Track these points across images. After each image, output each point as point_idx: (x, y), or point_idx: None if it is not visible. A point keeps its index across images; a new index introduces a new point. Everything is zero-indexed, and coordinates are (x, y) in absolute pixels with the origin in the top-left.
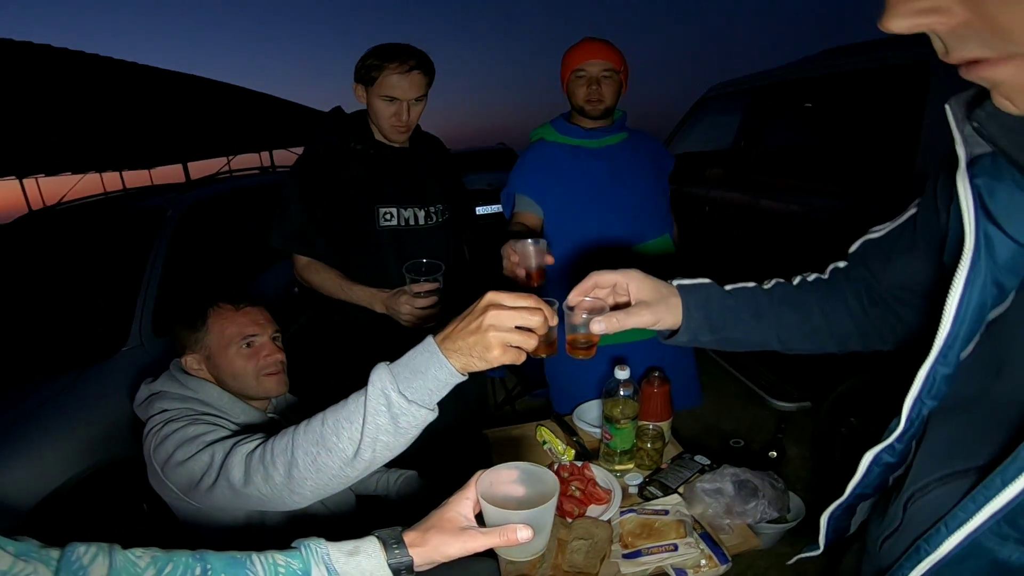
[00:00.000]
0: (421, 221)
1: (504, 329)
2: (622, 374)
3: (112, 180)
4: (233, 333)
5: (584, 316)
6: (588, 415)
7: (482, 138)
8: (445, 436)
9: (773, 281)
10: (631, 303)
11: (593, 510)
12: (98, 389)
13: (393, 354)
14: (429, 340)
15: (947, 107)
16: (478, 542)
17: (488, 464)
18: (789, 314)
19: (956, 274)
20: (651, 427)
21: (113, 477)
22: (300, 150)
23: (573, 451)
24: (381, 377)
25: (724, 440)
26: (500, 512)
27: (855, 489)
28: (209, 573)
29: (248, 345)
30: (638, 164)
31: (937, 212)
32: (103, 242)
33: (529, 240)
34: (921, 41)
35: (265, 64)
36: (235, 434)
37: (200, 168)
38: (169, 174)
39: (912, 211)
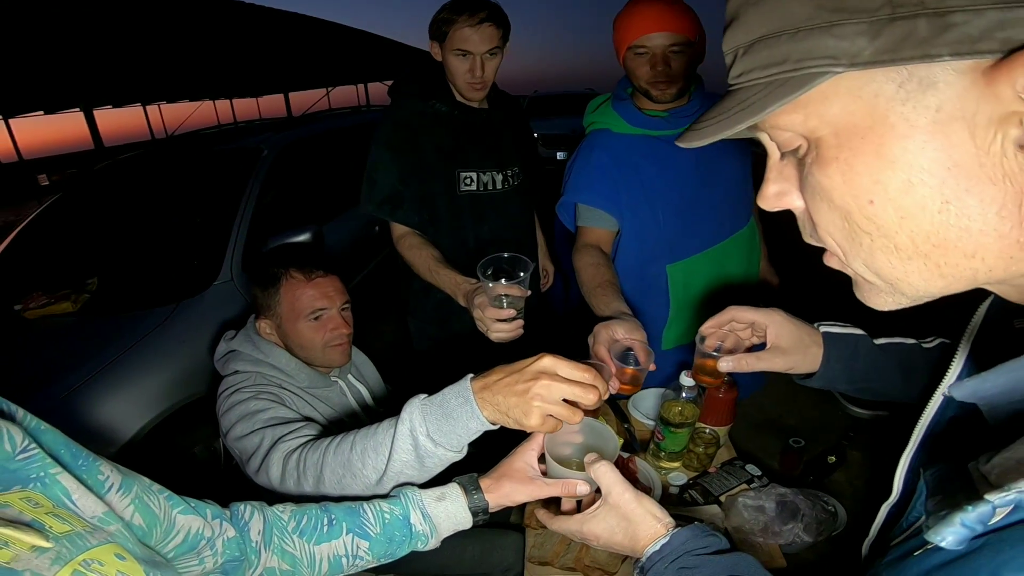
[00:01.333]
0: (499, 185)
1: (551, 401)
2: (688, 381)
3: (223, 108)
4: (303, 306)
5: (714, 354)
6: (643, 404)
7: (569, 82)
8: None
9: (937, 341)
10: (767, 345)
11: None
12: (193, 322)
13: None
14: (466, 383)
15: None
16: (543, 492)
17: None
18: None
19: None
20: (708, 431)
21: (192, 413)
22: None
23: (622, 440)
24: (412, 415)
25: (784, 437)
26: (562, 470)
27: (893, 509)
28: (334, 521)
29: (316, 318)
30: (728, 147)
31: None
32: (204, 179)
33: (630, 354)
34: None
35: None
36: (290, 420)
37: (301, 99)
38: (273, 103)
39: None
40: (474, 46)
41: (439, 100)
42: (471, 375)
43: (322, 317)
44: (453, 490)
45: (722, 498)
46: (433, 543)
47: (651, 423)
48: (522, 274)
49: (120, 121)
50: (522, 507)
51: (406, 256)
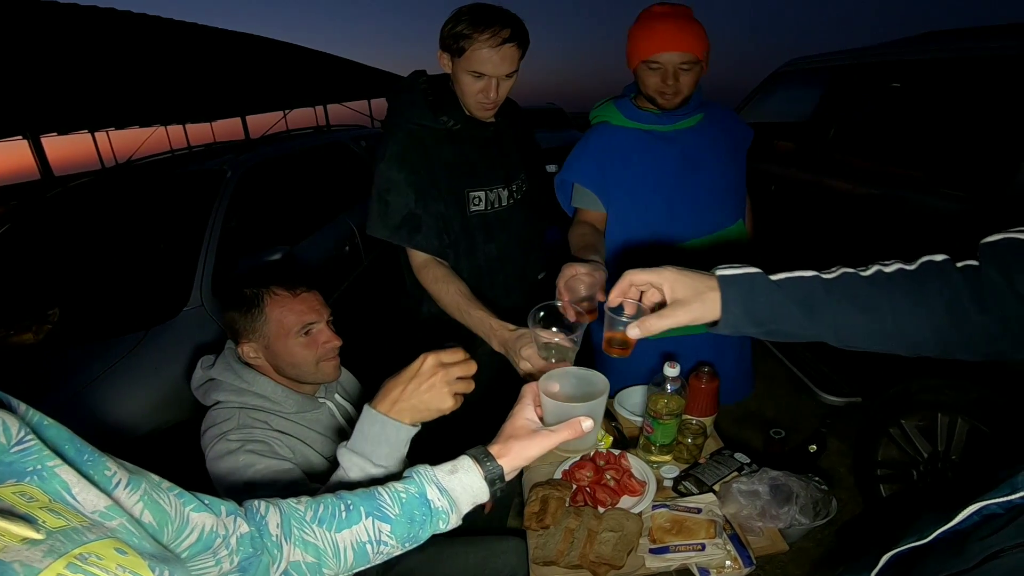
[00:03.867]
0: (504, 202)
1: (452, 382)
2: (672, 371)
3: (176, 133)
4: (292, 322)
5: (623, 319)
6: (629, 401)
7: (531, 98)
8: (479, 408)
9: (839, 270)
10: (667, 302)
11: (625, 501)
12: (162, 350)
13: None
14: (370, 411)
15: None
16: (551, 439)
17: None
18: (851, 313)
19: None
20: (694, 422)
21: (173, 440)
22: (356, 104)
23: (611, 438)
24: (353, 462)
25: (764, 428)
26: (563, 407)
27: (942, 534)
28: (351, 507)
29: (307, 333)
30: (714, 147)
31: None
32: (165, 203)
33: (581, 279)
34: None
35: (325, 23)
36: (278, 478)
37: (258, 122)
38: (228, 128)
39: None
40: (493, 68)
41: (449, 116)
42: (366, 404)
43: (312, 331)
44: (465, 462)
45: (716, 487)
46: (455, 520)
47: (638, 419)
48: (579, 332)
49: (66, 150)
50: (520, 511)
51: (431, 290)
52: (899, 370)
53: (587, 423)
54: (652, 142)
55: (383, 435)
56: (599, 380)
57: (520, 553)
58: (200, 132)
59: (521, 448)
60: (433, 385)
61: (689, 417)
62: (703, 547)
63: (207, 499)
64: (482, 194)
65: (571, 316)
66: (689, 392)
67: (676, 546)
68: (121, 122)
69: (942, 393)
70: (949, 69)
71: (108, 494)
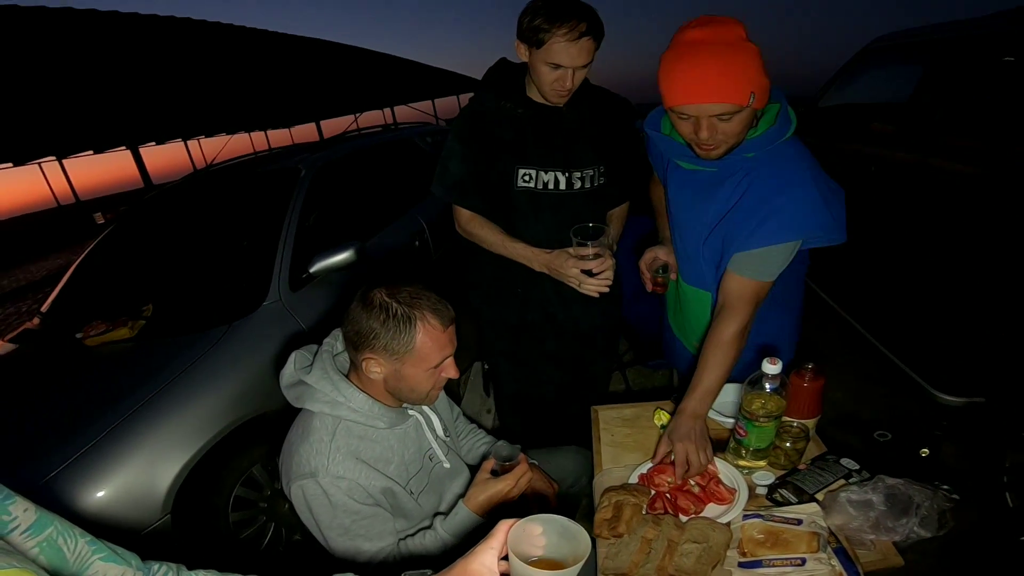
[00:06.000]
0: (563, 186)
1: None
2: (772, 368)
3: (258, 139)
4: (435, 357)
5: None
6: (716, 399)
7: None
8: (552, 410)
9: None
10: None
11: (712, 510)
12: (244, 343)
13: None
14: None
15: None
16: None
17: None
18: None
19: None
20: (795, 424)
21: (248, 433)
22: (421, 105)
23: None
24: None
25: (864, 431)
26: (525, 569)
27: None
28: None
29: (438, 365)
30: (703, 201)
31: None
32: (246, 202)
33: (661, 262)
34: None
35: (389, 25)
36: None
37: (331, 125)
38: (305, 132)
39: None
40: (570, 60)
41: (511, 100)
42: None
43: (443, 364)
44: None
45: (819, 496)
46: None
47: (726, 420)
48: (601, 239)
49: (164, 158)
50: (588, 514)
51: (477, 233)
52: None
53: None
54: (675, 169)
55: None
56: (582, 542)
57: (588, 560)
58: (280, 137)
59: None
60: None
61: (789, 420)
62: (803, 562)
63: (120, 550)
64: (532, 172)
65: (649, 288)
66: (790, 391)
67: (770, 560)
68: (210, 130)
69: None
70: None
71: (2, 536)
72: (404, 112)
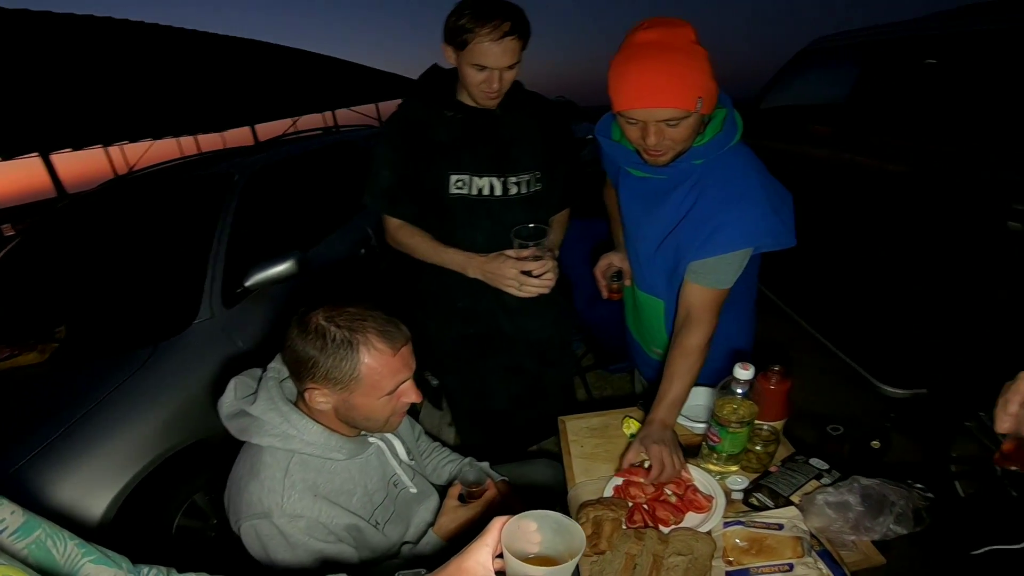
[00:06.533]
0: (498, 192)
1: None
2: (744, 374)
3: (188, 144)
4: (388, 384)
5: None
6: (685, 405)
7: (542, 92)
8: (513, 422)
9: None
10: None
11: (691, 518)
12: (173, 365)
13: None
14: None
15: None
16: None
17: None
18: None
19: None
20: (765, 427)
21: (186, 460)
22: (364, 108)
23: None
24: None
25: (817, 425)
26: (521, 566)
27: None
28: None
29: (392, 391)
30: (654, 209)
31: None
32: (172, 211)
33: (613, 268)
34: None
35: (334, 29)
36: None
37: (267, 129)
38: (239, 136)
39: None
40: (494, 60)
41: (443, 105)
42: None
43: (399, 389)
44: None
45: (794, 498)
46: None
47: (695, 426)
48: (542, 240)
49: (81, 165)
50: None
51: (406, 243)
52: (971, 357)
53: None
54: (625, 176)
55: None
56: (577, 537)
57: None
58: (211, 142)
59: None
60: None
61: (759, 423)
62: (790, 567)
63: (110, 553)
64: (465, 178)
65: (605, 295)
66: (758, 394)
67: (758, 568)
68: (134, 135)
69: None
70: (990, 42)
71: None
72: (346, 115)
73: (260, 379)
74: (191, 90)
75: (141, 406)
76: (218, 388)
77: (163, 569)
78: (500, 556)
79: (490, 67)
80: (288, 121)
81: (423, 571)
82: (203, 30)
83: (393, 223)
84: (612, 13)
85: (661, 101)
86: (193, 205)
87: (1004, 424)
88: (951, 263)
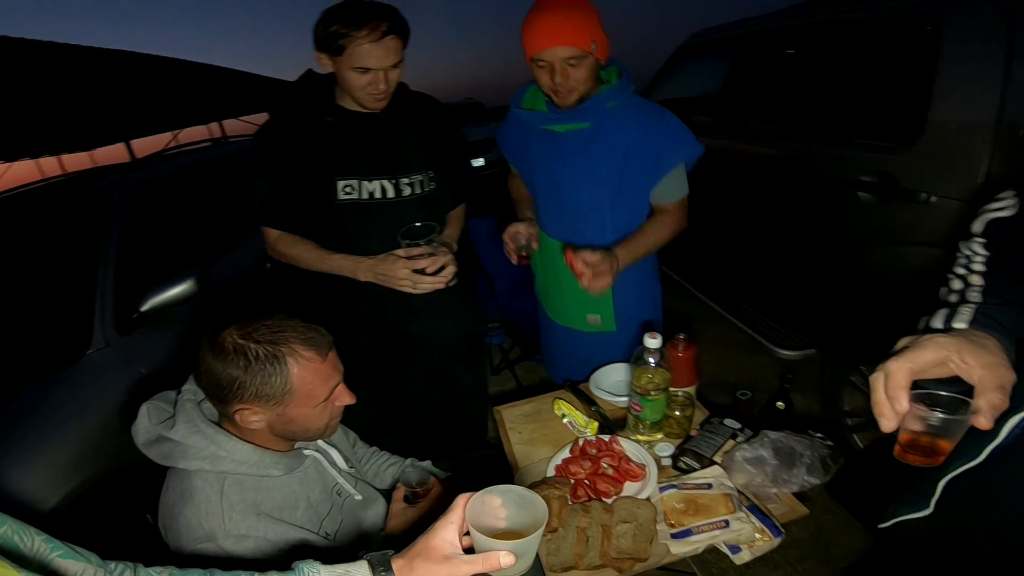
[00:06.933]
0: (391, 194)
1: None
2: (653, 343)
3: (50, 165)
4: (321, 391)
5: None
6: (606, 381)
7: (449, 93)
8: (441, 423)
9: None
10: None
11: (629, 487)
12: (68, 399)
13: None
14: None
15: None
16: (462, 569)
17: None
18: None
19: None
20: (680, 393)
21: (105, 493)
22: (255, 118)
23: (596, 423)
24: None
25: (729, 392)
26: (487, 541)
27: (993, 452)
28: None
29: (327, 398)
30: (592, 159)
31: None
32: (46, 236)
33: (523, 232)
34: None
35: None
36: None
37: (145, 145)
38: (112, 154)
39: None
40: (377, 61)
41: (322, 112)
42: (392, 553)
43: (333, 394)
44: (359, 568)
45: (716, 458)
46: None
47: (618, 400)
48: (433, 237)
49: None
50: None
51: (288, 253)
52: (846, 318)
53: (506, 559)
54: (537, 137)
55: None
56: (540, 509)
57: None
58: (77, 161)
59: (426, 571)
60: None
61: (674, 389)
62: (727, 523)
63: (79, 549)
64: (354, 182)
65: (515, 260)
66: (668, 363)
67: (699, 526)
68: None
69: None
70: (835, 31)
71: None
72: (237, 126)
73: (176, 402)
74: (53, 107)
75: (36, 445)
76: (131, 415)
77: (130, 564)
78: (468, 534)
79: (374, 68)
80: (169, 135)
81: (391, 552)
82: (69, 42)
83: (272, 234)
84: (522, 15)
85: (562, 40)
86: (70, 228)
87: (889, 423)
88: (820, 235)
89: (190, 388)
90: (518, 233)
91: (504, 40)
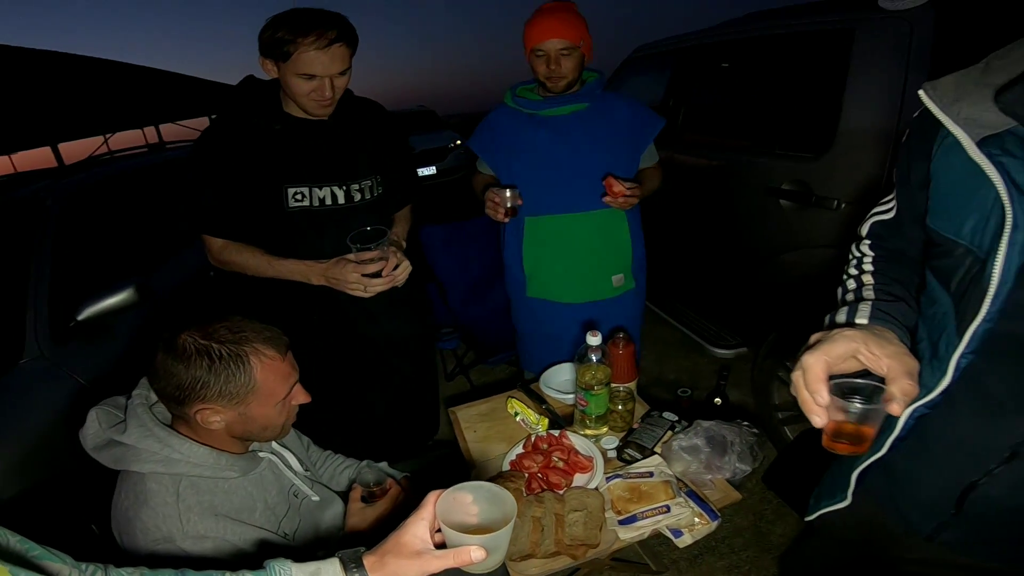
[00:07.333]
0: (341, 200)
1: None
2: (594, 340)
3: None
4: (282, 389)
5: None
6: (554, 380)
7: (402, 101)
8: (395, 424)
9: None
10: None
11: (579, 479)
12: (2, 410)
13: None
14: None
15: (925, 95)
16: (433, 564)
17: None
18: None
19: (1000, 243)
20: (621, 388)
21: (44, 503)
22: (194, 123)
23: (547, 420)
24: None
25: (670, 390)
26: (459, 536)
27: (893, 444)
28: None
29: (286, 396)
30: (593, 133)
31: (912, 191)
32: None
33: (507, 190)
34: (846, 8)
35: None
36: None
37: (73, 149)
38: (37, 158)
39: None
40: (323, 69)
41: (267, 116)
42: (363, 550)
43: (291, 392)
44: (330, 566)
45: (657, 448)
46: None
47: (566, 397)
48: (382, 241)
49: None
50: None
51: (235, 261)
52: (773, 317)
53: (477, 553)
54: (528, 125)
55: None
56: (509, 503)
57: None
58: None
59: (397, 567)
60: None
61: (616, 385)
62: (668, 508)
63: (54, 551)
64: (305, 190)
65: (501, 217)
66: (609, 360)
67: (643, 512)
68: None
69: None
70: (761, 46)
71: None
72: (175, 130)
73: (125, 407)
74: None
75: None
76: (71, 425)
77: (101, 566)
78: (440, 531)
79: (319, 75)
80: (99, 139)
81: (363, 549)
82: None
83: (216, 243)
84: (476, 23)
85: (559, 33)
86: None
87: (820, 420)
88: (749, 240)
89: (141, 392)
90: (502, 190)
91: (461, 48)
